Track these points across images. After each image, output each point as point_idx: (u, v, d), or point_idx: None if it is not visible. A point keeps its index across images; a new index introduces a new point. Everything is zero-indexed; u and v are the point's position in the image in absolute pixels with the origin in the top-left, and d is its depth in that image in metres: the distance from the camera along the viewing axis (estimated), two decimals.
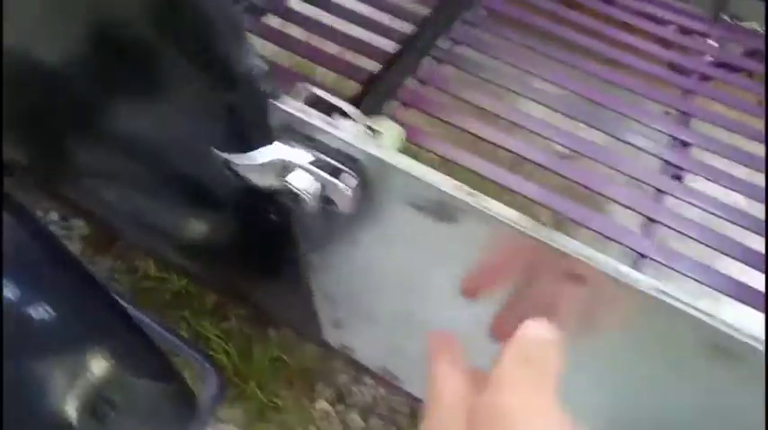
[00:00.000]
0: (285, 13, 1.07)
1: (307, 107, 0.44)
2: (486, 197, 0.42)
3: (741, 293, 0.82)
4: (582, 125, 1.07)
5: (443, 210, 0.42)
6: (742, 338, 0.34)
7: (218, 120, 0.47)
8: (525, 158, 0.99)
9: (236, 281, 0.85)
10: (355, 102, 0.92)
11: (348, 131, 0.44)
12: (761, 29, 1.29)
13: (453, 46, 1.13)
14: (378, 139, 0.49)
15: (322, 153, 0.44)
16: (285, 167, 0.44)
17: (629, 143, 1.05)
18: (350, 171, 0.43)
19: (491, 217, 0.40)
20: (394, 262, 0.53)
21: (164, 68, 0.46)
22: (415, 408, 1.10)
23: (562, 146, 1.04)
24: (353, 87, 0.96)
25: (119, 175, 0.70)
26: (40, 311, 0.51)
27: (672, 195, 0.97)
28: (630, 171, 0.99)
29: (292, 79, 0.92)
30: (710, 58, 1.21)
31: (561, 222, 1.08)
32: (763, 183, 0.97)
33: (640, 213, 0.95)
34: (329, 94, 0.49)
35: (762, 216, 0.92)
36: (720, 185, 0.99)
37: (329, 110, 0.47)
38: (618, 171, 0.99)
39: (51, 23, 0.49)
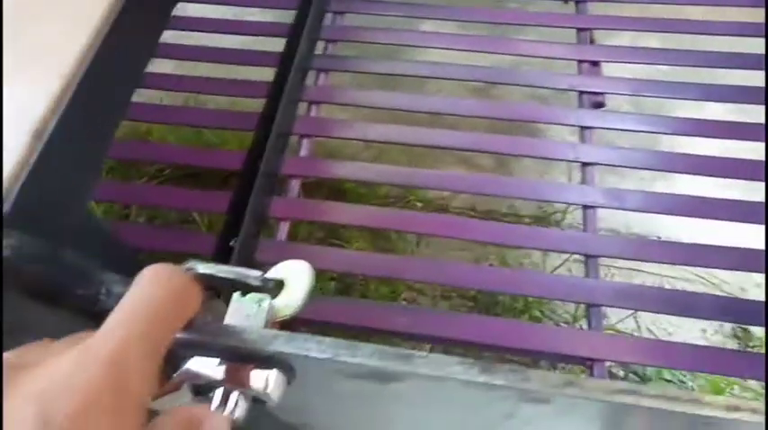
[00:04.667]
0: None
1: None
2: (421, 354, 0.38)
3: None
4: (489, 54, 1.03)
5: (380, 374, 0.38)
6: None
7: None
8: (441, 114, 0.97)
9: None
10: (258, 150, 0.85)
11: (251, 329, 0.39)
12: None
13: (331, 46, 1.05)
14: (287, 292, 0.44)
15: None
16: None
17: (539, 56, 1.02)
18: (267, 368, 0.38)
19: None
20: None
21: None
22: None
23: (474, 81, 1.01)
24: (249, 136, 0.89)
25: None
26: None
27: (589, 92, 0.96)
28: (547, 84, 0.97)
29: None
30: None
31: (503, 161, 1.07)
32: None
33: (573, 125, 0.94)
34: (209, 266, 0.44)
35: None
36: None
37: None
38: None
39: None
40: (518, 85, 0.99)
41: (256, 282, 0.47)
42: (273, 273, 0.46)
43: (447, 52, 1.05)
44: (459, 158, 1.29)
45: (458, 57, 1.03)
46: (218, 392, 0.35)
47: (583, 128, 0.92)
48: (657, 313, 0.79)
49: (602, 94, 0.95)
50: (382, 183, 0.93)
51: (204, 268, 0.46)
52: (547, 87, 0.98)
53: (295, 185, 0.88)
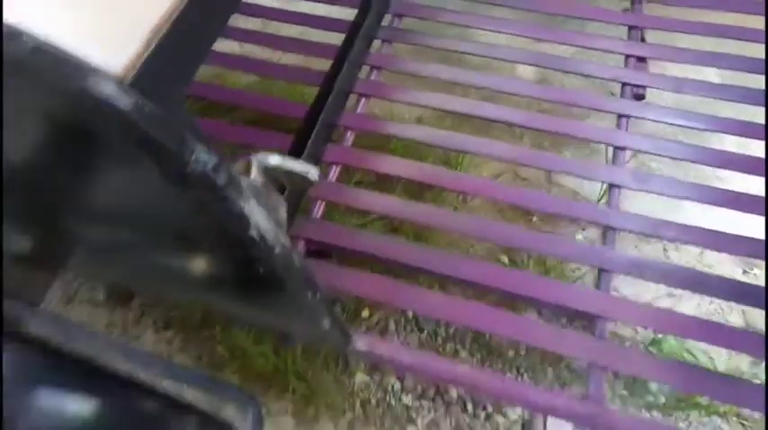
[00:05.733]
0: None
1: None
2: None
3: None
4: (545, 42, 1.10)
5: None
6: None
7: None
8: (497, 91, 1.04)
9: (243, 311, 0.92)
10: (320, 103, 0.96)
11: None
12: None
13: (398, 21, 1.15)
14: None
15: None
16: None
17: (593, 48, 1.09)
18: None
19: None
20: None
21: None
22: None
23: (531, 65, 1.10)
24: (312, 92, 0.99)
25: (121, 244, 0.76)
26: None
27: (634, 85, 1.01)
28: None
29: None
30: None
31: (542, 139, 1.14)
32: None
33: (611, 112, 1.00)
34: (287, 159, 0.54)
35: None
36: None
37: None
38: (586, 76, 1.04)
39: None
40: (569, 72, 1.06)
41: (314, 178, 0.58)
42: None
43: (509, 37, 1.13)
44: (506, 132, 1.34)
45: (518, 42, 1.10)
46: None
47: (620, 116, 0.98)
48: (669, 286, 0.84)
49: (643, 87, 1.01)
50: (430, 144, 1.01)
51: (273, 159, 0.58)
52: (594, 76, 1.04)
53: (350, 137, 0.98)
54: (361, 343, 0.79)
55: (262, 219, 0.51)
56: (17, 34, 0.36)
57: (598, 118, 1.19)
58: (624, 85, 1.02)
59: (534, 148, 1.13)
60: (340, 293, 0.87)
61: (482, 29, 1.16)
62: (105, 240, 0.75)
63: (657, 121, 0.97)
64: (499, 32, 1.14)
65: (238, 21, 1.25)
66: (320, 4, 1.20)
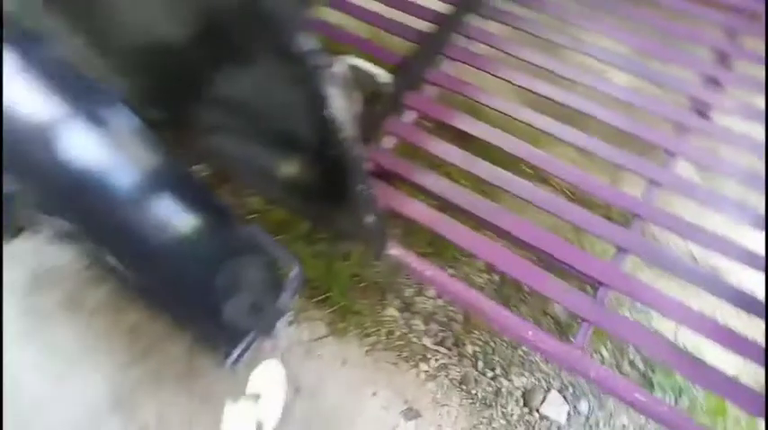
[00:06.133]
0: None
1: None
2: None
3: None
4: (632, 76, 1.18)
5: None
6: None
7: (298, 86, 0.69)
8: (581, 112, 1.11)
9: (319, 210, 1.09)
10: (406, 60, 1.12)
11: None
12: None
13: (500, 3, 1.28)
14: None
15: None
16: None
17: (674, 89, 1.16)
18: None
19: None
20: None
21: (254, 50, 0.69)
22: (468, 316, 1.31)
23: (615, 98, 1.15)
24: (407, 46, 1.15)
25: (232, 130, 0.95)
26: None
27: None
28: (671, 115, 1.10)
29: (355, 43, 1.13)
30: None
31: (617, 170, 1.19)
32: None
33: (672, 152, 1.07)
34: (364, 62, 0.70)
35: None
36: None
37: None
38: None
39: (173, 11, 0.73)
40: (652, 82, 1.14)
41: (382, 79, 0.74)
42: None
43: (610, 41, 1.22)
44: (574, 156, 1.43)
45: (616, 46, 1.18)
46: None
47: (681, 127, 1.06)
48: (683, 279, 0.91)
49: (711, 106, 1.08)
50: (515, 117, 1.10)
51: (354, 60, 0.75)
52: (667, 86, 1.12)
53: (434, 91, 1.13)
54: (394, 249, 0.93)
55: (338, 103, 0.67)
56: None
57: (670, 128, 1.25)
58: (695, 101, 1.09)
59: (606, 142, 1.16)
60: (390, 212, 1.01)
61: (585, 28, 1.25)
62: (221, 123, 0.94)
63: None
64: (601, 33, 1.23)
65: None
66: None
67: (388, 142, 1.06)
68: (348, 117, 0.67)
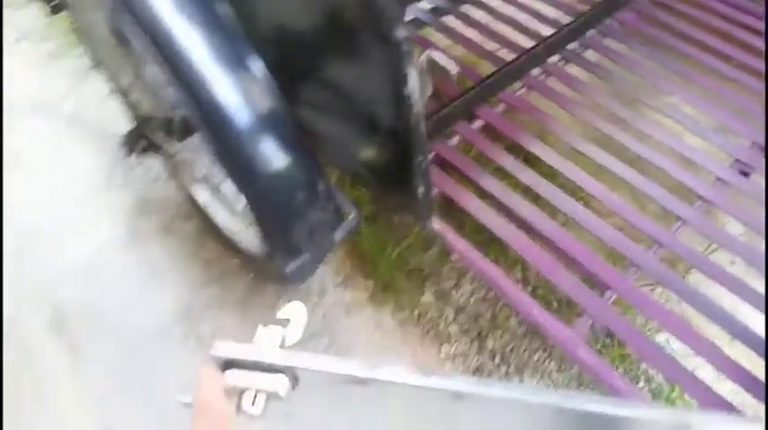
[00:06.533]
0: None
1: None
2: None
3: None
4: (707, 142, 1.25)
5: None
6: None
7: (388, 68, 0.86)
8: (647, 160, 1.19)
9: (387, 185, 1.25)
10: (484, 80, 1.29)
11: None
12: None
13: (584, 50, 1.43)
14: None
15: None
16: None
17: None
18: None
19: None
20: None
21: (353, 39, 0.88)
22: (495, 315, 1.44)
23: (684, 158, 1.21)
24: (488, 68, 1.33)
25: (326, 110, 1.12)
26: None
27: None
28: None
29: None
30: None
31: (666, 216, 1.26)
32: None
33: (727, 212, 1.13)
34: (443, 56, 0.88)
35: None
36: None
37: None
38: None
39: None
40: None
41: (453, 71, 0.92)
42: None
43: (691, 110, 1.29)
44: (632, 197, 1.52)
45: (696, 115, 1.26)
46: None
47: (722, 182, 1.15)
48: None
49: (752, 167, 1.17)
50: (581, 152, 1.25)
51: (434, 53, 0.93)
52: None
53: (503, 107, 1.30)
54: (437, 224, 1.10)
55: (414, 83, 0.84)
56: None
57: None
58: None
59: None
60: (443, 198, 1.17)
61: (671, 92, 1.32)
62: (318, 103, 1.13)
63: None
64: (687, 102, 1.30)
65: None
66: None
67: (453, 140, 1.24)
68: (421, 97, 0.84)
